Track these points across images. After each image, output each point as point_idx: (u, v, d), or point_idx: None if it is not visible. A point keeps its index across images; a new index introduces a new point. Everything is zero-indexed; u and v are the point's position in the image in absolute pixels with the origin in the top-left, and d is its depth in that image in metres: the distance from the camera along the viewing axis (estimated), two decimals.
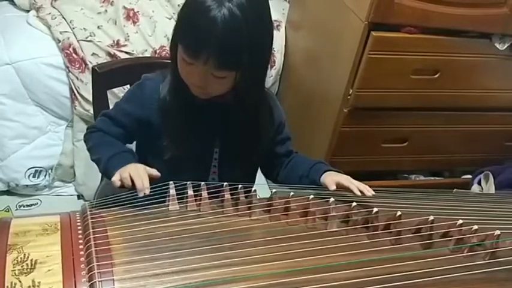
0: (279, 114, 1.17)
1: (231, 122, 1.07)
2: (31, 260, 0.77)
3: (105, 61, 1.81)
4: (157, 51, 1.94)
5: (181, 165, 1.04)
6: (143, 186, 0.91)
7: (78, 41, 1.85)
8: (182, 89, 1.02)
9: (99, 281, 0.75)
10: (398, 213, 0.95)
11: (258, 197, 1.00)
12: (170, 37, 1.02)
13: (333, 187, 1.05)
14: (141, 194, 0.91)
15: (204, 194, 0.97)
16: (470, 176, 1.91)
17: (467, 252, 0.95)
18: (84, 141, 1.12)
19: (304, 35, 2.07)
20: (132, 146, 1.20)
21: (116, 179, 0.94)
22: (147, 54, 1.93)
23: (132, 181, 0.92)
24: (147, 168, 0.95)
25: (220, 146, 1.11)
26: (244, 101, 1.02)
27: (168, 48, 1.94)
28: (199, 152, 1.09)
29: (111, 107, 1.37)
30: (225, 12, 0.88)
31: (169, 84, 1.05)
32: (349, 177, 1.08)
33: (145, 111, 1.07)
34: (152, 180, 0.93)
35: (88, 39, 1.87)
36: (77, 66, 1.85)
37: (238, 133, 1.07)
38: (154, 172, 0.95)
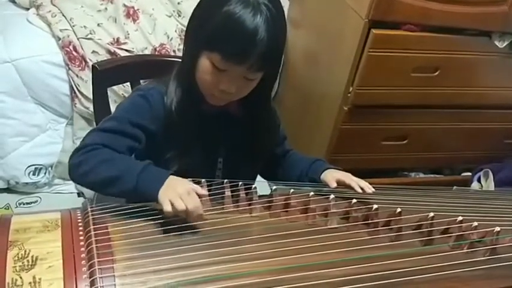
0: (276, 116, 1.17)
1: (237, 133, 1.07)
2: (32, 257, 0.77)
3: (105, 59, 1.81)
4: (157, 49, 1.94)
5: (184, 175, 0.98)
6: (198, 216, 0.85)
7: (78, 38, 1.86)
8: (193, 100, 1.01)
9: (99, 277, 0.75)
10: (399, 209, 0.95)
11: (258, 194, 1.00)
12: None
13: (333, 184, 1.05)
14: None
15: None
16: (470, 174, 1.92)
17: (467, 249, 0.95)
18: (79, 163, 0.93)
19: (304, 33, 2.07)
20: None
21: (169, 208, 0.84)
22: (147, 52, 1.93)
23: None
24: (194, 186, 0.88)
25: (224, 155, 1.10)
26: (255, 107, 1.04)
27: (168, 46, 1.95)
28: (204, 162, 1.07)
29: (111, 104, 1.37)
30: (267, 15, 0.89)
31: (177, 95, 1.02)
32: (349, 174, 1.08)
33: (155, 123, 1.02)
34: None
35: (88, 37, 1.87)
36: (77, 64, 1.85)
37: (244, 142, 1.08)
38: (203, 192, 0.88)
